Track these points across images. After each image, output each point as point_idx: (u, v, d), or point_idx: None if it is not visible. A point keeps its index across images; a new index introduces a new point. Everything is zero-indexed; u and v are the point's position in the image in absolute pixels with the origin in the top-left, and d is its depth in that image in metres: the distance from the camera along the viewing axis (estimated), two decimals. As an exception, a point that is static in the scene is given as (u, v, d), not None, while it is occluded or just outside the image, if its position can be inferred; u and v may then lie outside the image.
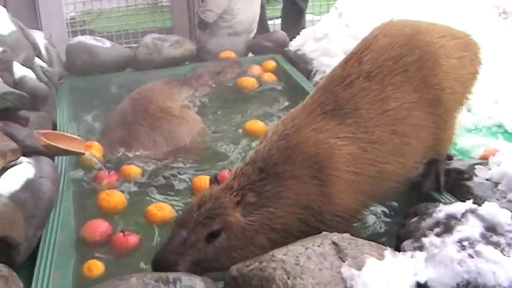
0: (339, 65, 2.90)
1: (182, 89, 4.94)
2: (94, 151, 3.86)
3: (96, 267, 2.80)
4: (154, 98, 4.48)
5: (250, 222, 2.51)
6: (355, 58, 2.84)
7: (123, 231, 2.99)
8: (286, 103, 4.80)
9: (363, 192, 2.67)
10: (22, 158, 2.89)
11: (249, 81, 5.20)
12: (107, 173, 3.60)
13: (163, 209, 3.23)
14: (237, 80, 5.23)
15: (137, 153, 4.01)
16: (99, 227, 3.05)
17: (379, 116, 2.69)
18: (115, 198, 3.33)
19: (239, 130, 4.35)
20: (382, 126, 2.69)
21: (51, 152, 3.25)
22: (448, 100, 2.86)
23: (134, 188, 3.59)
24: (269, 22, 7.60)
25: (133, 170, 3.74)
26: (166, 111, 4.34)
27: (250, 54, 6.03)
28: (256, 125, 4.31)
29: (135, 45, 6.23)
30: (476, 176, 3.10)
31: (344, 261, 2.16)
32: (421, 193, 3.06)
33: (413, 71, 2.78)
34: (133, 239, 2.99)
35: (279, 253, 2.19)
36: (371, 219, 3.10)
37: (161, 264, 2.42)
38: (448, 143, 3.07)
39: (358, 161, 2.63)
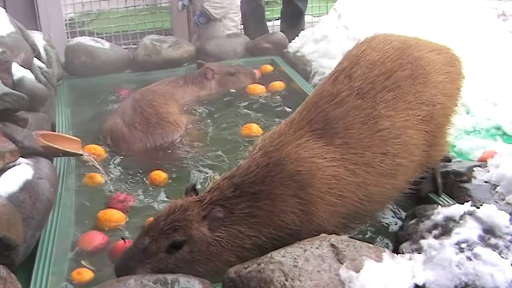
0: (327, 81, 2.83)
1: (187, 88, 4.98)
2: (96, 153, 3.93)
3: (86, 273, 2.77)
4: (155, 101, 4.51)
5: (217, 237, 2.46)
6: (344, 74, 2.78)
7: (123, 238, 2.95)
8: (286, 105, 4.79)
9: (345, 215, 2.60)
10: (21, 159, 2.89)
11: (258, 88, 5.16)
12: (121, 197, 3.49)
13: None
14: (247, 87, 5.19)
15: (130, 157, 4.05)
16: (96, 239, 3.02)
17: (370, 137, 2.63)
18: (113, 217, 3.25)
19: (237, 134, 4.34)
20: (374, 148, 2.62)
21: (50, 153, 3.25)
22: (439, 116, 2.82)
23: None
24: (268, 23, 7.60)
25: (160, 175, 3.73)
26: (162, 117, 4.36)
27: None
28: (252, 128, 4.29)
29: (134, 46, 6.23)
30: (475, 178, 3.10)
31: (342, 263, 2.17)
32: (419, 196, 3.05)
33: (406, 87, 2.74)
34: None
35: (277, 255, 2.19)
36: (370, 221, 3.09)
37: (120, 268, 2.40)
38: (438, 159, 3.03)
39: (344, 184, 2.56)
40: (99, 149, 4.04)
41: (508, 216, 2.35)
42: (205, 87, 5.13)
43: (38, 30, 5.93)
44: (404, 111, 2.70)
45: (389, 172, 2.65)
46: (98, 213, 3.22)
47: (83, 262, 2.86)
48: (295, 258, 2.16)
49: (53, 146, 3.25)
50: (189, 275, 2.26)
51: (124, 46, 6.73)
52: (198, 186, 2.90)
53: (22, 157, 2.92)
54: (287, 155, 2.55)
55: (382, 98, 2.69)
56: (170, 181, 3.71)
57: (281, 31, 6.69)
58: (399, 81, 2.74)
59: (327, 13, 6.09)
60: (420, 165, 2.84)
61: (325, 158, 2.56)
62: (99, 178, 3.63)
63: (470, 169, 3.17)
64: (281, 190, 2.50)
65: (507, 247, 2.21)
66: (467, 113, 4.42)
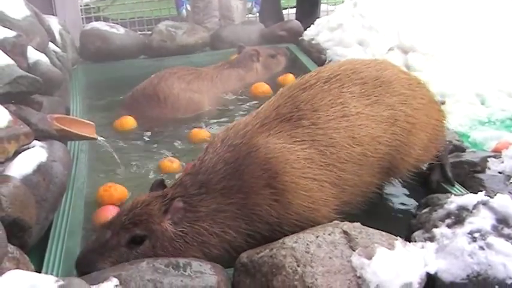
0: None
1: (232, 71, 5.09)
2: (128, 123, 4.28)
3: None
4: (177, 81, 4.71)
5: (181, 233, 2.40)
6: (315, 71, 2.85)
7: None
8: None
9: (323, 202, 2.52)
10: (35, 142, 2.91)
11: (263, 87, 5.03)
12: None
13: None
14: (251, 87, 5.07)
15: None
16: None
17: (338, 119, 2.60)
18: (117, 192, 3.30)
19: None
20: (341, 130, 2.59)
21: (64, 137, 3.27)
22: (403, 122, 2.75)
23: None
24: (283, 11, 7.58)
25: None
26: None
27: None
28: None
29: (149, 32, 6.24)
30: (489, 168, 3.09)
31: (354, 250, 2.16)
32: (430, 187, 3.04)
33: (371, 86, 2.74)
34: None
35: (290, 241, 2.19)
36: (382, 208, 3.08)
37: (80, 262, 2.36)
38: (405, 170, 2.87)
39: (315, 166, 2.50)
40: (130, 119, 4.31)
41: (522, 206, 2.33)
42: (251, 70, 5.18)
43: (53, 14, 5.95)
44: (369, 106, 2.69)
45: (356, 159, 2.60)
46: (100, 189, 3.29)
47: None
48: (307, 244, 2.16)
49: (67, 129, 3.26)
50: (201, 259, 2.27)
51: (139, 32, 6.73)
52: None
53: (36, 140, 2.93)
54: (255, 144, 2.51)
55: (348, 89, 2.70)
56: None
57: (296, 19, 6.67)
58: (365, 79, 2.76)
59: (343, 2, 6.07)
60: (386, 170, 2.76)
61: (295, 141, 2.53)
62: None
63: (485, 159, 3.16)
64: (252, 183, 2.44)
65: (520, 237, 2.20)
66: (482, 103, 4.40)
